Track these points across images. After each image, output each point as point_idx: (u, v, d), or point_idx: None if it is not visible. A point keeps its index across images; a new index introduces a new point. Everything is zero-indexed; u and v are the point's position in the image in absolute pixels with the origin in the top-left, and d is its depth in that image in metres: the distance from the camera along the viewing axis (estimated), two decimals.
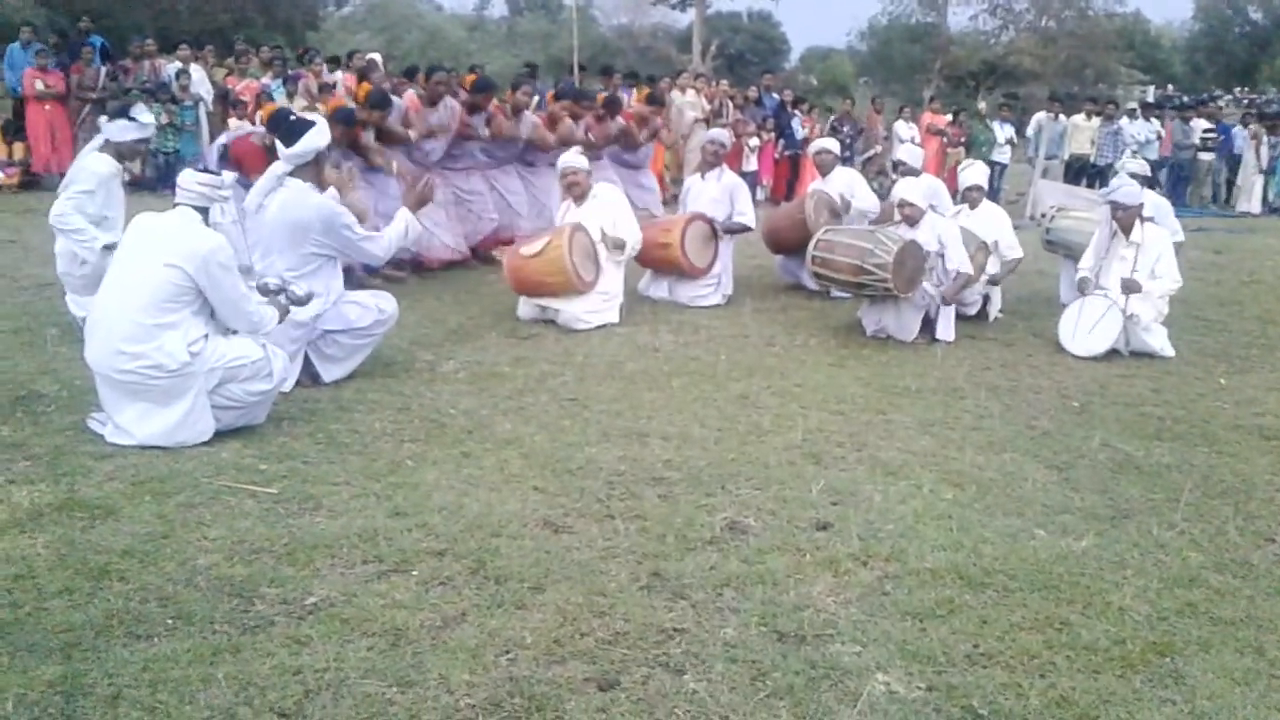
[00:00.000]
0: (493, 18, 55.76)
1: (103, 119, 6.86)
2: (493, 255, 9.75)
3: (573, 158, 7.96)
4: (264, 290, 5.19)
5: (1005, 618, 3.41)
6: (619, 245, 7.68)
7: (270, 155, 6.68)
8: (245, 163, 7.49)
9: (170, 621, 3.19)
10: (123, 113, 6.91)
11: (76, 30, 15.68)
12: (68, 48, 14.56)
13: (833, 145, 9.71)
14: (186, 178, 4.86)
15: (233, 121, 13.44)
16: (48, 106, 13.42)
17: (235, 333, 5.03)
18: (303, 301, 5.42)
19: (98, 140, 6.64)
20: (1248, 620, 3.47)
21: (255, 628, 3.18)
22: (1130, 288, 7.02)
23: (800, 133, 16.81)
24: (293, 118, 5.95)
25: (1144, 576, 3.76)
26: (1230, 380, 6.66)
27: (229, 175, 5.07)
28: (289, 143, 5.61)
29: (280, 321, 5.20)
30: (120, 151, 6.60)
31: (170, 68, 14.18)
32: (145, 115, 7.47)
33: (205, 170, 5.00)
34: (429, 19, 48.18)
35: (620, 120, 11.21)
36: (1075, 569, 3.79)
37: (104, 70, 13.92)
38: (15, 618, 3.18)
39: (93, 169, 6.42)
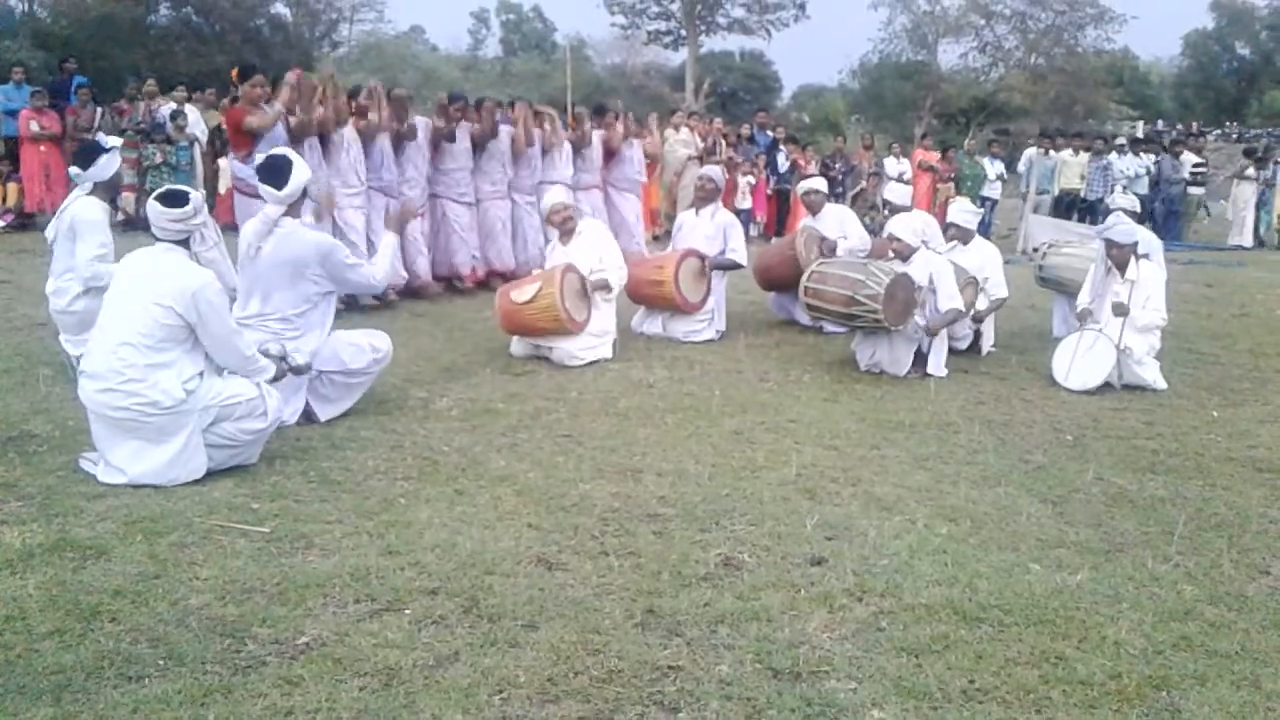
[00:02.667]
0: (486, 57, 56.29)
1: (74, 170, 6.48)
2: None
3: (560, 195, 8.07)
4: (264, 355, 5.19)
5: (1001, 653, 3.40)
6: (604, 286, 7.73)
7: None
8: None
9: (162, 662, 3.17)
10: (89, 153, 6.55)
11: (61, 71, 15.78)
12: (52, 89, 14.61)
13: (821, 185, 9.75)
14: (157, 215, 4.83)
15: (223, 161, 13.48)
16: (43, 147, 13.47)
17: (229, 371, 5.04)
18: (303, 370, 5.46)
19: (84, 187, 6.40)
20: (1243, 653, 3.47)
21: (247, 668, 3.16)
22: (1120, 310, 7.06)
23: (783, 166, 16.90)
24: (272, 160, 5.88)
25: (1139, 610, 3.75)
26: (1223, 413, 6.67)
27: (197, 199, 4.93)
28: (280, 185, 5.61)
29: (277, 380, 5.21)
30: (112, 185, 6.55)
31: (165, 108, 14.25)
32: (111, 139, 7.32)
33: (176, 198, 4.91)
34: (424, 59, 48.61)
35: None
36: (1070, 603, 3.78)
37: (99, 111, 13.99)
38: (6, 659, 3.15)
39: (90, 219, 6.26)
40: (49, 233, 6.53)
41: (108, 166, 6.43)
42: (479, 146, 10.17)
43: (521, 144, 10.47)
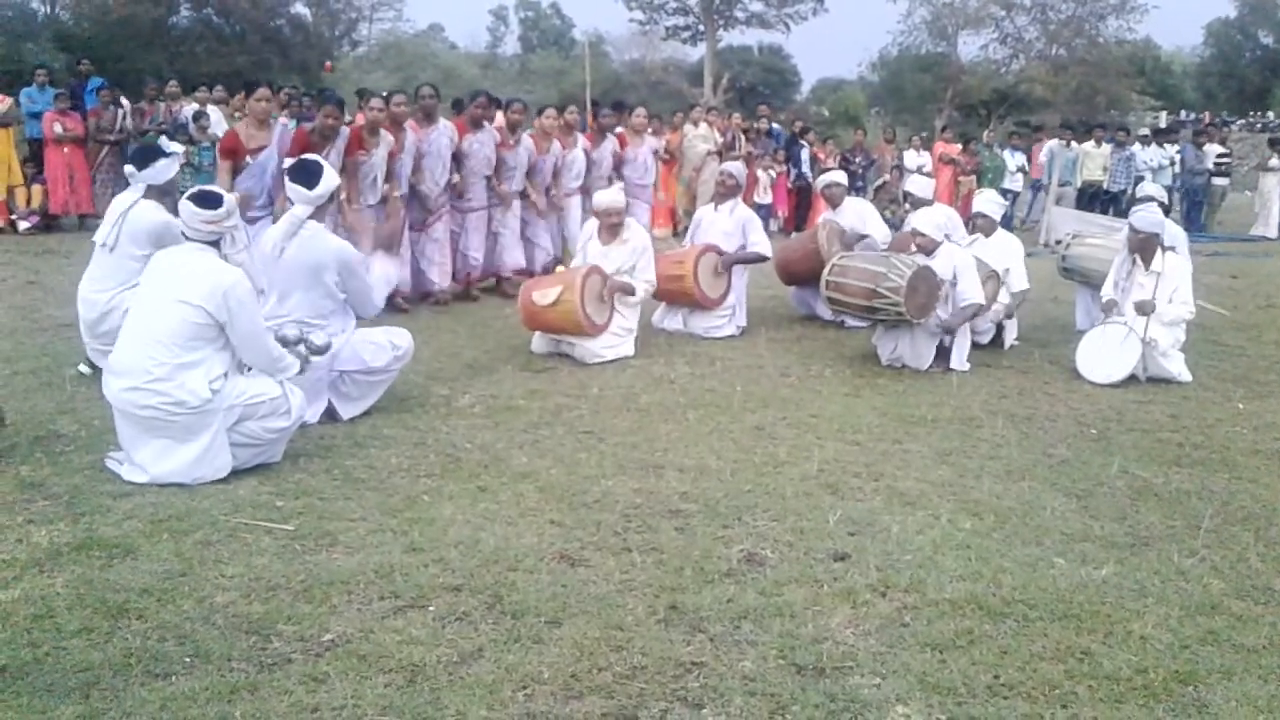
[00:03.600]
0: (505, 55, 56.44)
1: (129, 169, 6.33)
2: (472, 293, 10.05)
3: (614, 196, 7.98)
4: (282, 341, 5.19)
5: (1026, 648, 3.39)
6: (627, 290, 7.70)
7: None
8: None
9: (188, 660, 3.19)
10: (147, 154, 6.44)
11: (76, 73, 15.88)
12: (69, 90, 14.70)
13: (841, 178, 9.74)
14: (190, 215, 4.85)
15: None
16: (66, 149, 13.57)
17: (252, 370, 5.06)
18: (322, 351, 5.44)
19: (138, 188, 6.27)
20: (1271, 647, 3.44)
21: (273, 665, 3.18)
22: (1144, 309, 7.01)
23: (804, 162, 16.83)
24: (304, 161, 5.92)
25: (1165, 604, 3.73)
26: (1248, 405, 6.62)
27: (231, 201, 4.99)
28: (311, 185, 5.63)
29: (301, 372, 5.23)
30: (167, 190, 6.29)
31: (188, 109, 14.34)
32: (172, 145, 7.22)
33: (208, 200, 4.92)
34: (443, 57, 48.75)
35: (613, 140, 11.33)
36: (1096, 598, 3.77)
37: (121, 113, 14.08)
38: (34, 657, 3.18)
39: (157, 221, 6.09)
40: (105, 238, 6.28)
41: (165, 171, 6.31)
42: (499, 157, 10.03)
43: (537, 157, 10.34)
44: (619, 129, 11.64)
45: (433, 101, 9.59)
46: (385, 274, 6.19)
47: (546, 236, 10.60)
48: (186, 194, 5.02)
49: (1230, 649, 3.42)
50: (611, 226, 7.88)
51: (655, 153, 12.17)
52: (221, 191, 5.05)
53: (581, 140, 10.87)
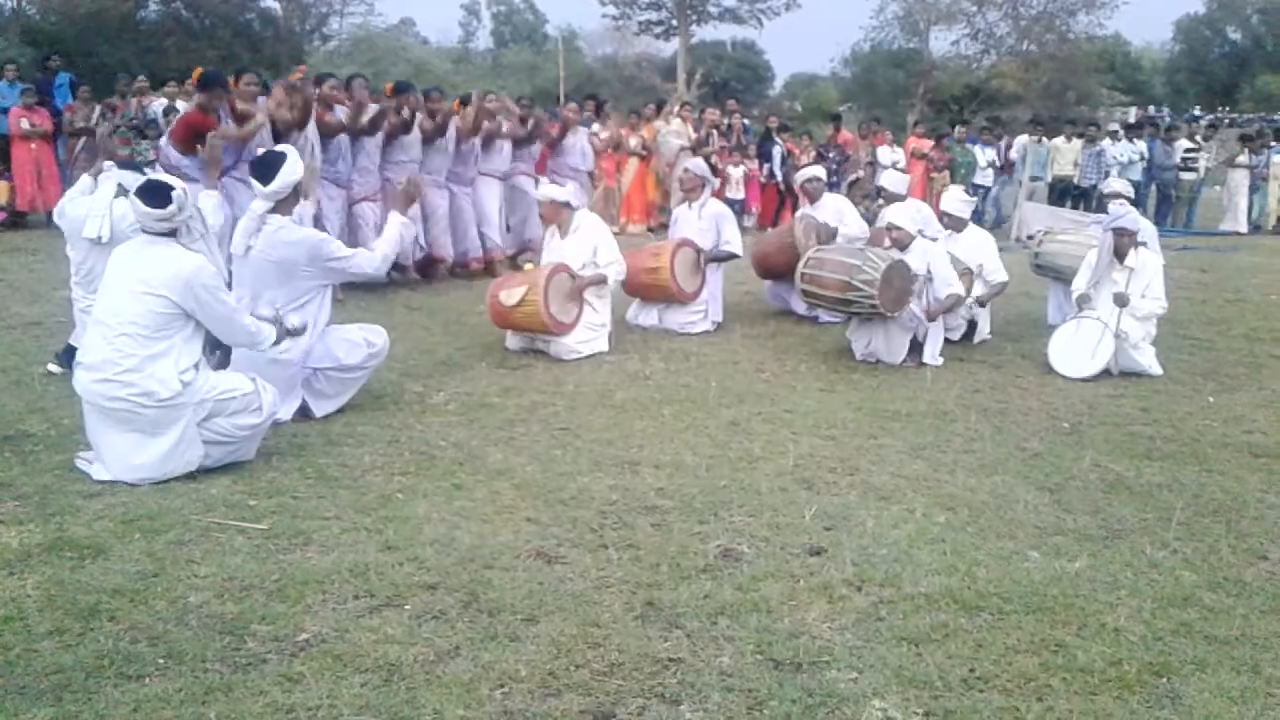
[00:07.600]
0: (478, 49, 56.19)
1: (126, 173, 6.17)
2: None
3: (551, 190, 7.95)
4: (260, 320, 5.16)
5: (1001, 641, 3.41)
6: (599, 282, 7.66)
7: None
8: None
9: (161, 661, 3.16)
10: (135, 166, 6.42)
11: (44, 68, 15.70)
12: (37, 86, 14.53)
13: (821, 172, 9.77)
14: (142, 214, 4.72)
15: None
16: (33, 145, 13.41)
17: (226, 366, 5.00)
18: (298, 333, 5.38)
19: (112, 186, 6.11)
20: (1243, 638, 3.48)
21: (247, 666, 3.16)
22: (1121, 301, 7.06)
23: (776, 159, 16.79)
24: (267, 154, 5.84)
25: (1138, 597, 3.76)
26: (1218, 398, 6.68)
27: (180, 194, 4.75)
28: (266, 180, 5.56)
29: (278, 342, 5.19)
30: None
31: (157, 104, 14.20)
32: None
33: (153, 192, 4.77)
34: (414, 52, 48.39)
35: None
36: (1069, 590, 3.79)
37: (98, 110, 13.93)
38: (5, 659, 3.15)
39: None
40: (98, 232, 6.00)
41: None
42: (427, 140, 10.10)
43: (465, 133, 10.39)
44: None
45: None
46: (398, 234, 6.13)
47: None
48: (134, 189, 4.89)
49: (1203, 640, 3.45)
50: (560, 219, 7.84)
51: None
52: (171, 186, 4.81)
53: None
